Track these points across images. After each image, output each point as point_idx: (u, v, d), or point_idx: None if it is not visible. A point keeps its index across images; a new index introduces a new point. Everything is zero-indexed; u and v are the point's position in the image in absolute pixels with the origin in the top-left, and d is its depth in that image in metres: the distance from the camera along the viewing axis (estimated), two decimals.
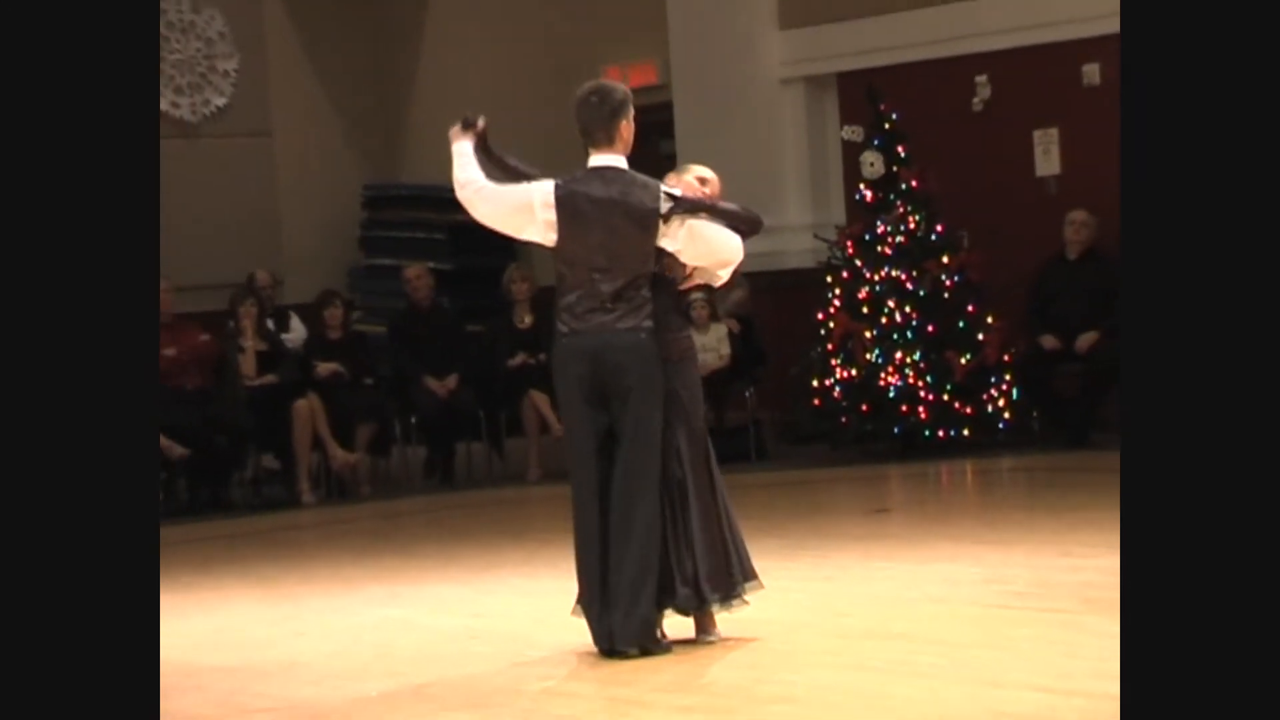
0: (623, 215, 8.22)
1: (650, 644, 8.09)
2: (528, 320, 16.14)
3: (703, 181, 8.69)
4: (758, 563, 8.42)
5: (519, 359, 15.88)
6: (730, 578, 8.27)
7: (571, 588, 8.35)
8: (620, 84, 8.66)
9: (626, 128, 8.42)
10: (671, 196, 8.31)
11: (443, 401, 15.87)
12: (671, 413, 8.28)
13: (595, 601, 8.13)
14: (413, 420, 16.10)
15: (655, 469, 8.21)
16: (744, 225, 8.51)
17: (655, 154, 18.59)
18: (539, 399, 15.56)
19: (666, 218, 8.23)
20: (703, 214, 8.38)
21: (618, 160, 8.37)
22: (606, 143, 8.35)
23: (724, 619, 8.33)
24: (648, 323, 8.21)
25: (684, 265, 8.40)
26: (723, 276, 8.62)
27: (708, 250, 8.38)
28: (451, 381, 15.86)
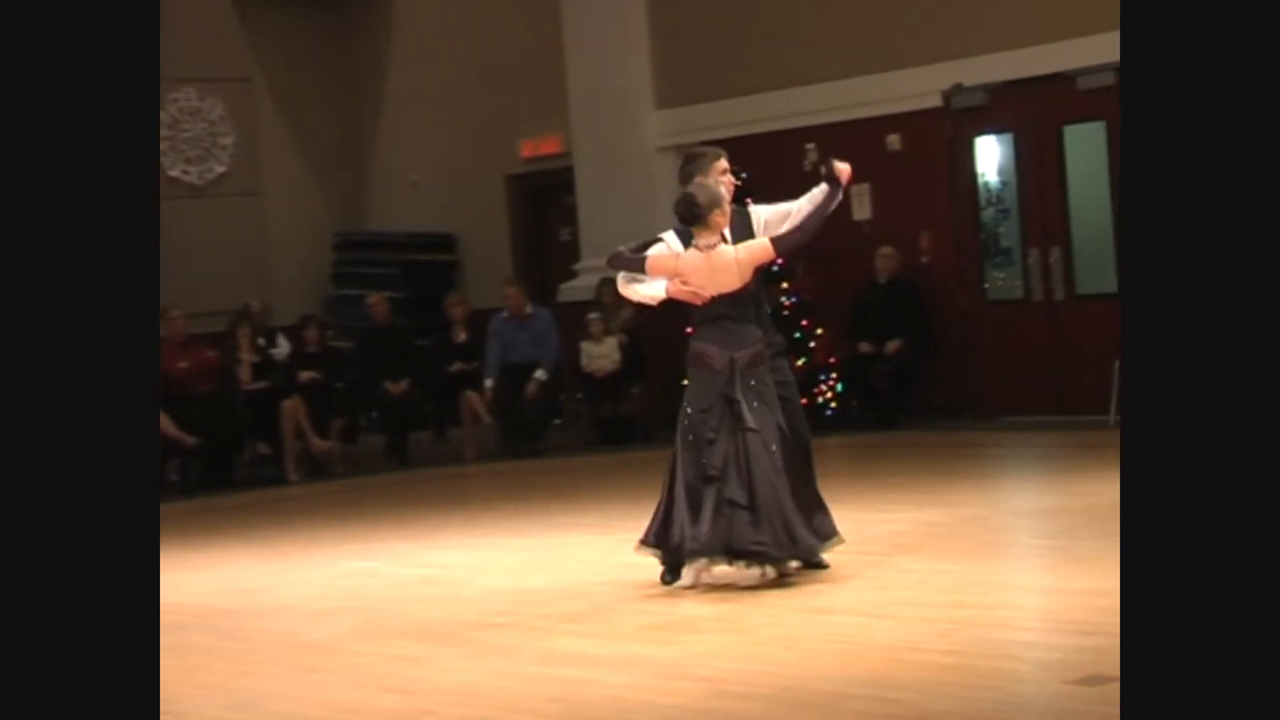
0: None
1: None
2: (463, 336, 16.13)
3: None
4: (643, 521, 8.40)
5: (457, 366, 15.88)
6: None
7: (498, 545, 8.31)
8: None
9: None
10: None
11: (398, 400, 15.85)
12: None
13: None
14: (375, 415, 16.15)
15: None
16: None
17: (560, 206, 18.64)
18: (473, 397, 15.56)
19: None
20: None
21: None
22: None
23: (601, 570, 8.30)
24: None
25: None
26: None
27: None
28: (405, 384, 15.84)
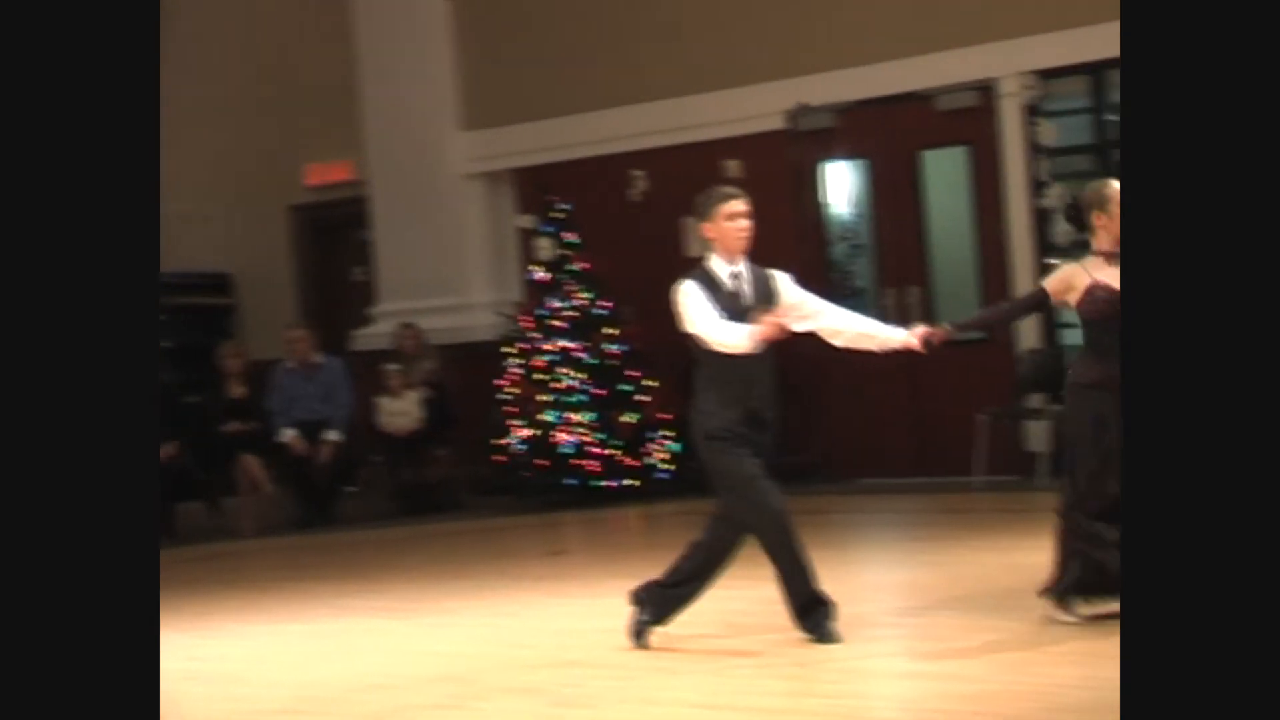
0: None
1: None
2: (240, 391, 15.93)
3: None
4: (449, 603, 8.36)
5: (232, 426, 15.66)
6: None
7: (279, 632, 8.22)
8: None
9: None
10: None
11: (164, 465, 15.58)
12: None
13: None
14: None
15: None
16: None
17: (353, 241, 18.53)
18: (250, 461, 15.37)
19: None
20: None
21: None
22: None
23: (400, 660, 8.25)
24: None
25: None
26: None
27: None
28: (172, 448, 15.59)
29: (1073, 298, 8.04)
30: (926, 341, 8.26)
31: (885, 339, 8.42)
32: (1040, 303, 8.53)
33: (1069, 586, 8.08)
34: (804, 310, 8.32)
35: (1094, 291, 7.94)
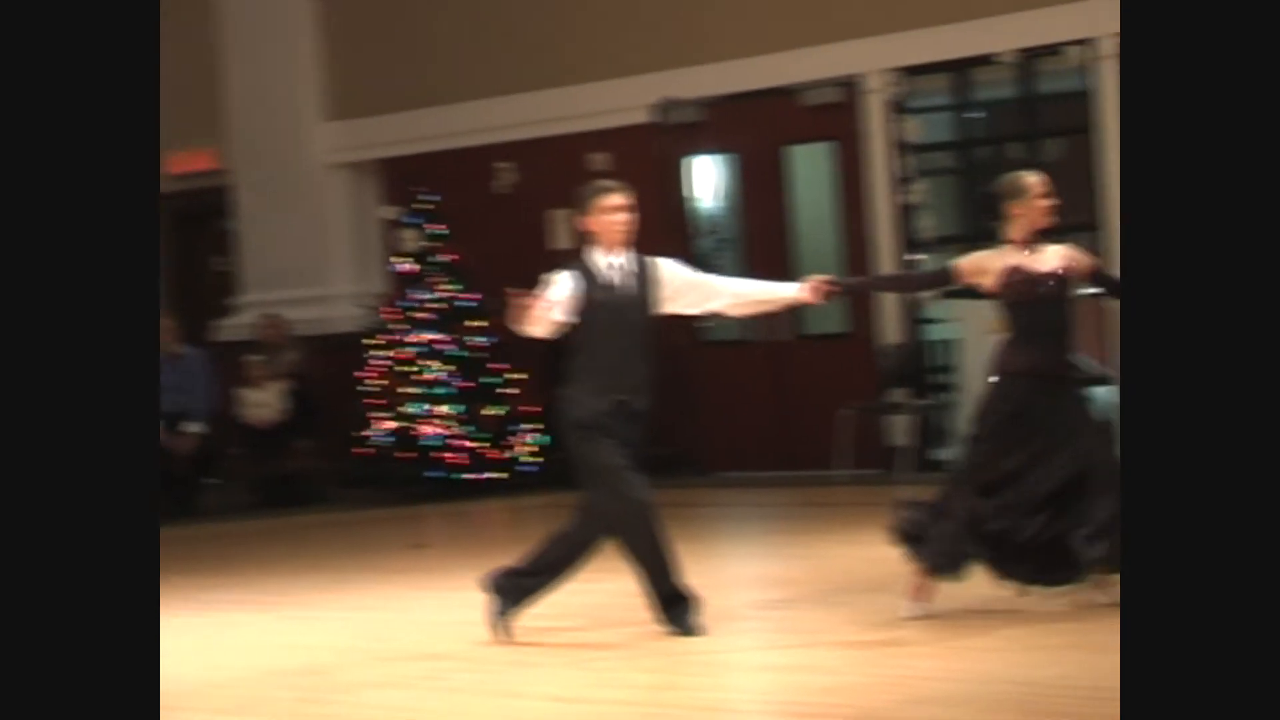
0: None
1: None
2: None
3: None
4: (310, 596, 8.33)
5: None
6: None
7: None
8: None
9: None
10: None
11: None
12: None
13: None
14: None
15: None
16: None
17: (215, 231, 18.37)
18: None
19: None
20: None
21: None
22: None
23: (260, 655, 8.18)
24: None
25: None
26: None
27: None
28: None
29: (986, 280, 8.18)
30: (821, 292, 8.37)
31: (783, 297, 8.60)
32: (943, 280, 8.69)
33: (937, 564, 8.09)
34: (702, 291, 8.37)
35: (1011, 274, 8.08)
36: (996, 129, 15.07)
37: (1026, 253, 8.13)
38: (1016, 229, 8.19)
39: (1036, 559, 7.99)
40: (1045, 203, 8.17)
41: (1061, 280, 8.12)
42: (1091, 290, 8.38)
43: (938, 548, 8.04)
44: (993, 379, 8.27)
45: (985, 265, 8.22)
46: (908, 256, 14.44)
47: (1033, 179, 8.26)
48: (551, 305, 8.15)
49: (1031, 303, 8.06)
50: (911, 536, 8.15)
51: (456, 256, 15.43)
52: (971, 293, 8.47)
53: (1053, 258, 8.14)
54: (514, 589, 8.37)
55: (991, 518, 7.98)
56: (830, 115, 14.68)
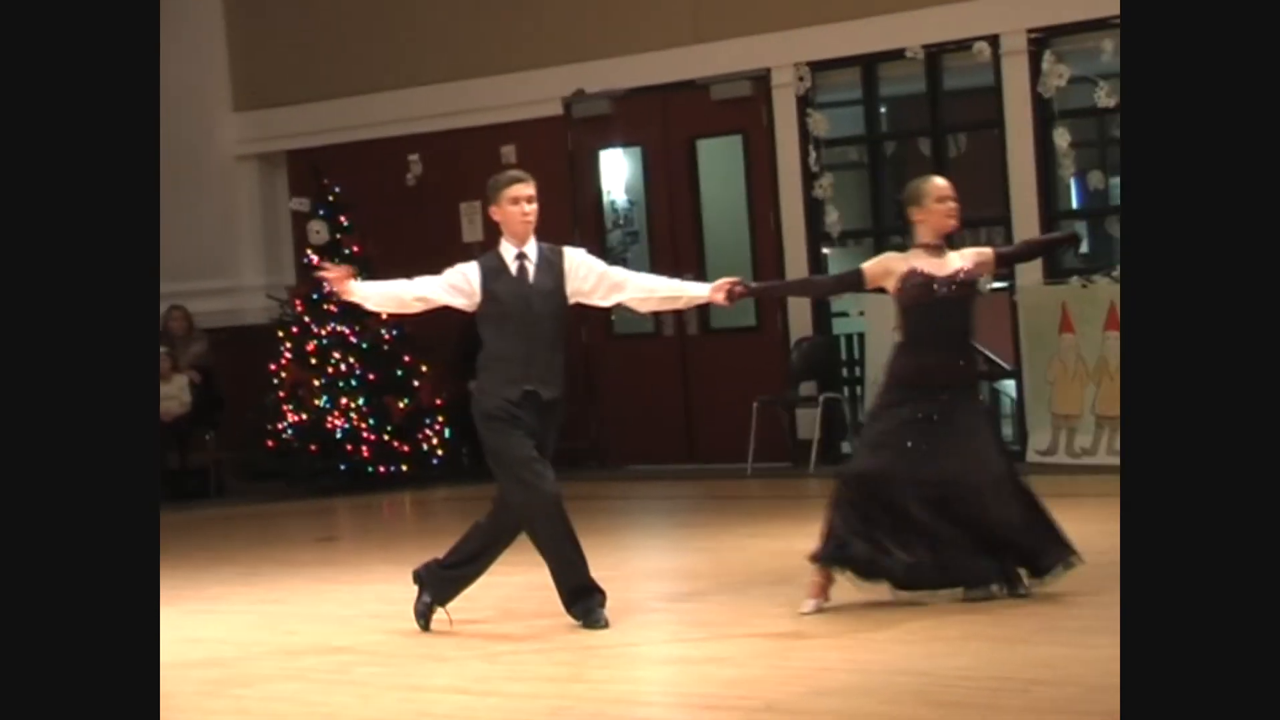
0: None
1: None
2: None
3: None
4: (215, 590, 8.29)
5: None
6: None
7: None
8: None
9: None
10: None
11: None
12: None
13: None
14: None
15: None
16: None
17: None
18: None
19: None
20: None
21: None
22: None
23: (163, 649, 8.17)
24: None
25: None
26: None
27: None
28: None
29: (890, 283, 8.21)
30: (729, 294, 8.36)
31: (691, 296, 8.54)
32: (854, 284, 8.69)
33: (838, 557, 8.11)
34: (608, 282, 8.37)
35: (910, 278, 8.11)
36: (904, 123, 15.18)
37: (930, 256, 8.18)
38: (921, 233, 8.24)
39: (921, 566, 8.03)
40: (948, 206, 8.20)
41: (962, 283, 8.15)
42: (999, 285, 8.47)
43: (829, 540, 8.10)
44: (881, 384, 8.34)
45: (889, 267, 8.24)
46: (819, 250, 14.51)
47: (935, 183, 8.27)
48: (346, 275, 8.24)
49: (927, 306, 8.05)
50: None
51: (363, 248, 15.36)
52: (880, 290, 8.50)
53: (957, 260, 8.19)
54: (440, 581, 8.38)
55: (877, 520, 8.03)
56: (740, 109, 14.74)
